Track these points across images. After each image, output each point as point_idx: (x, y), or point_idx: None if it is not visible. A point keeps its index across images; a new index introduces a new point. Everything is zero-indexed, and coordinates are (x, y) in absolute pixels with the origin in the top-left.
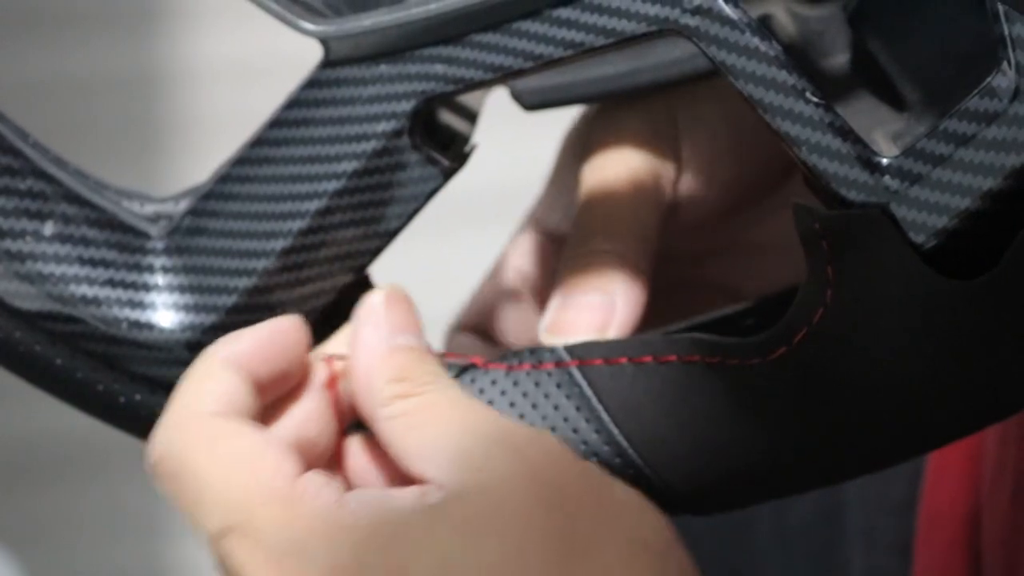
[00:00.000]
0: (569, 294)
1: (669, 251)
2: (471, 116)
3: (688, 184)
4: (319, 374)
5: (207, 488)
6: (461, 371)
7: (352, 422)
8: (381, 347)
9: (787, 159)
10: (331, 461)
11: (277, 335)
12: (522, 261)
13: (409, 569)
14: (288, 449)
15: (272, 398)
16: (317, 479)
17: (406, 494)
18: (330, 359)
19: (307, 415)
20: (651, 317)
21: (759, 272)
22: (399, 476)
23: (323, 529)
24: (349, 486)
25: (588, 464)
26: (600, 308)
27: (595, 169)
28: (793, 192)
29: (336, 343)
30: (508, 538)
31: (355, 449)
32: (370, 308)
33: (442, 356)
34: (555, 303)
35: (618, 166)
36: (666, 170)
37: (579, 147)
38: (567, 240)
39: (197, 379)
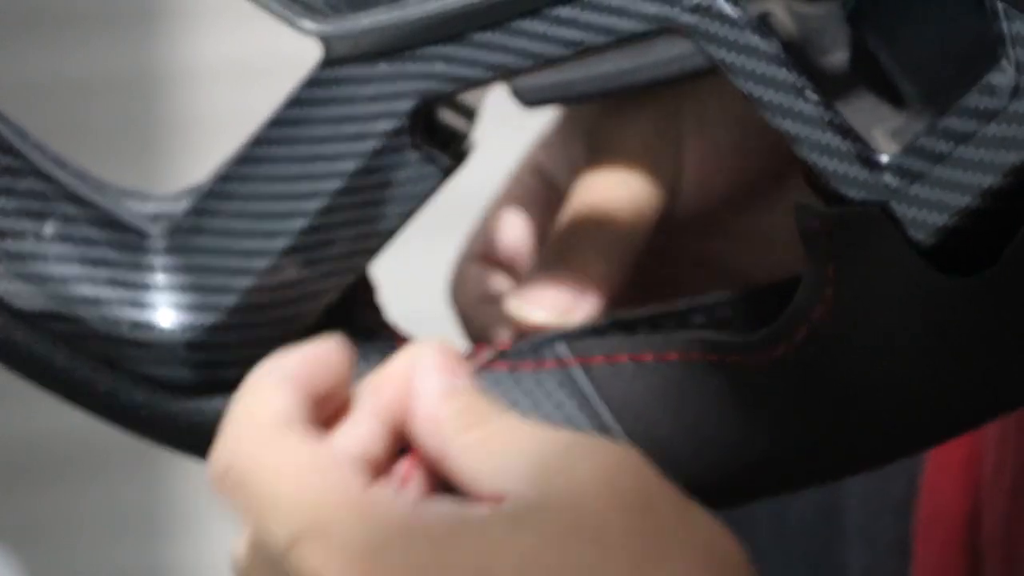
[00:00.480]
0: (543, 265)
1: (673, 233)
2: (470, 114)
3: (691, 178)
4: (378, 402)
5: (277, 497)
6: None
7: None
8: (441, 389)
9: (786, 158)
10: None
11: (324, 355)
12: (524, 198)
13: (493, 570)
14: (355, 460)
15: (317, 417)
16: (388, 489)
17: (482, 506)
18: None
19: (355, 436)
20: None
21: (768, 262)
22: None
23: (401, 532)
24: None
25: (666, 481)
26: (568, 294)
27: (587, 183)
28: (799, 184)
29: (389, 376)
30: (590, 541)
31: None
32: (427, 356)
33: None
34: (529, 274)
35: (611, 180)
36: (663, 175)
37: (582, 120)
38: (551, 231)
39: (256, 392)
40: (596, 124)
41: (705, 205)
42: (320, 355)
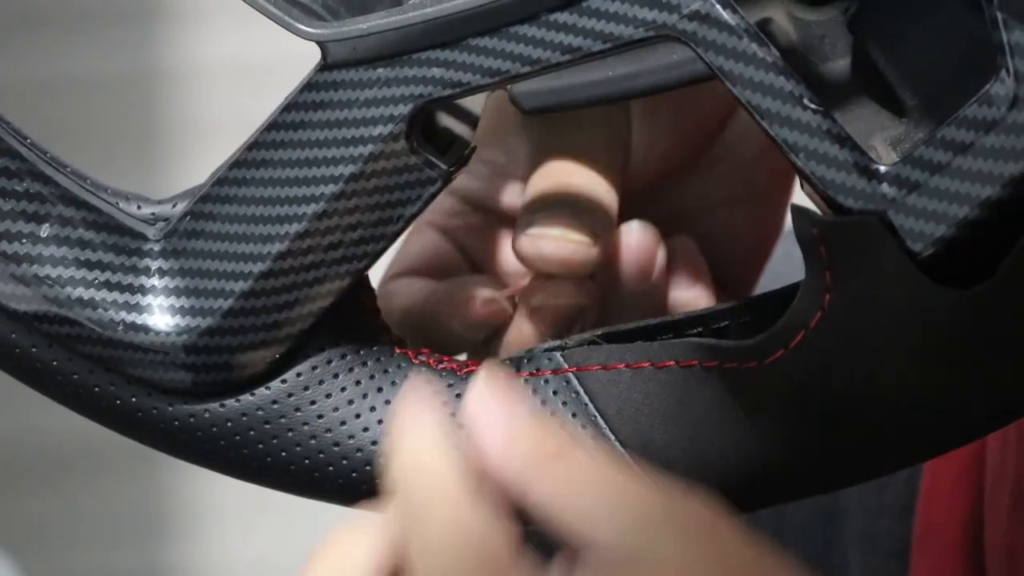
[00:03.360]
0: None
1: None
2: (470, 119)
3: (638, 152)
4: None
5: (444, 546)
6: (464, 377)
7: None
8: (506, 425)
9: (708, 136)
10: None
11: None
12: (435, 219)
13: None
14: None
15: None
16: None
17: (583, 568)
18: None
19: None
20: None
21: (700, 229)
22: None
23: None
24: None
25: (746, 534)
26: (580, 246)
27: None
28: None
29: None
30: None
31: None
32: (478, 395)
33: (440, 360)
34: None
35: (583, 145)
36: (619, 146)
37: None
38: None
39: (430, 438)
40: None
41: (649, 177)
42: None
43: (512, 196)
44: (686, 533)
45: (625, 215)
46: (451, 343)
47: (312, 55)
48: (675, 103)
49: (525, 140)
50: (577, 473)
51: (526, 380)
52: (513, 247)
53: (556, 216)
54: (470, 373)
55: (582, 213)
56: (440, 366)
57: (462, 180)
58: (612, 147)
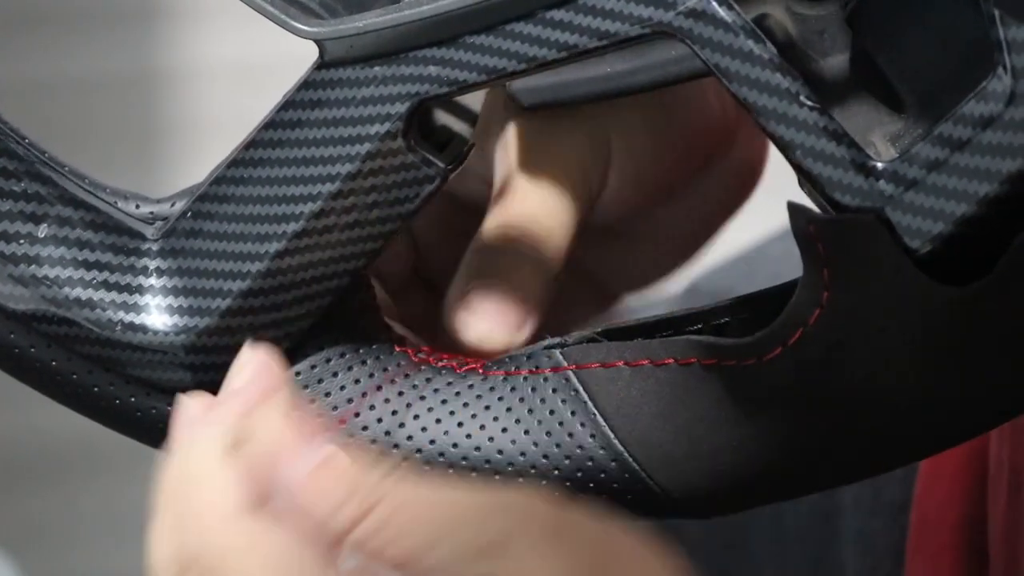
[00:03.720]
0: (473, 289)
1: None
2: (469, 117)
3: (611, 192)
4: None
5: None
6: (463, 374)
7: None
8: (309, 475)
9: (691, 158)
10: None
11: (262, 391)
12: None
13: None
14: (327, 546)
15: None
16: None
17: None
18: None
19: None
20: None
21: (630, 264)
22: None
23: None
24: None
25: (574, 512)
26: (511, 309)
27: (511, 196)
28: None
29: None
30: None
31: None
32: (269, 435)
33: (440, 359)
34: (470, 286)
35: (546, 194)
36: (589, 190)
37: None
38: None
39: (208, 469)
40: (529, 136)
41: (617, 215)
42: (254, 396)
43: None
44: (519, 544)
45: (597, 237)
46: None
47: (312, 55)
48: (652, 139)
49: (503, 142)
50: (398, 515)
51: (525, 378)
52: (445, 312)
53: (488, 298)
54: (470, 371)
55: (517, 290)
56: (440, 364)
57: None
58: (583, 170)
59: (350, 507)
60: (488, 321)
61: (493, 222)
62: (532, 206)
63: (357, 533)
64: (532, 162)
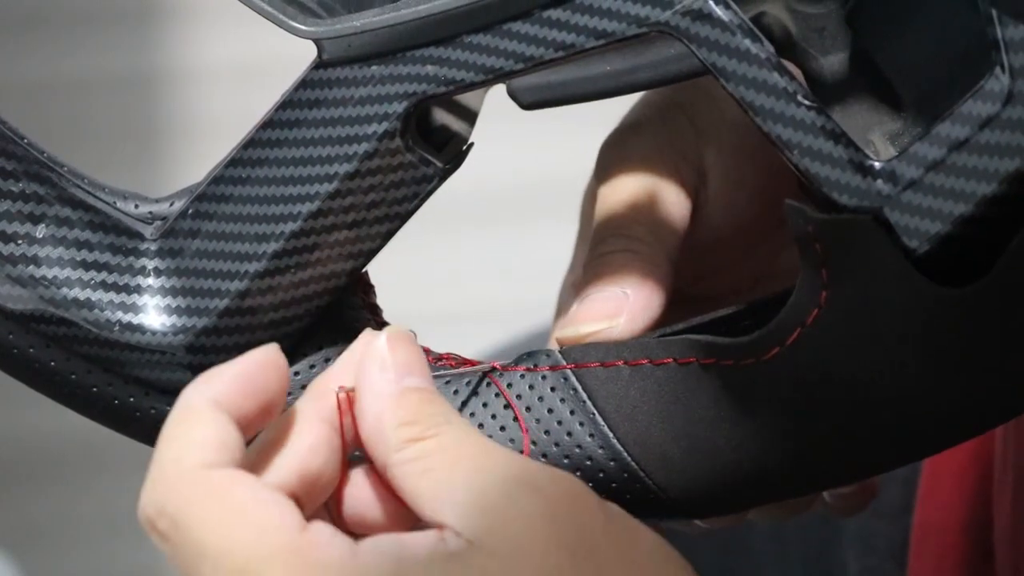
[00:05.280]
0: (582, 294)
1: (695, 268)
2: (469, 116)
3: (715, 189)
4: (324, 404)
5: (208, 546)
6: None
7: (353, 451)
8: (389, 390)
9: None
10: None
11: (259, 367)
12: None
13: None
14: (289, 497)
15: (255, 433)
16: (326, 529)
17: (422, 541)
18: (343, 392)
19: (311, 447)
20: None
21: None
22: (402, 512)
23: None
24: (349, 520)
25: (611, 506)
26: (611, 299)
27: (610, 188)
28: None
29: (337, 372)
30: None
31: (358, 481)
32: (375, 350)
33: (439, 358)
34: (571, 307)
35: (633, 183)
36: (686, 178)
37: (596, 183)
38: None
39: (183, 427)
40: (609, 151)
41: (729, 227)
42: (251, 370)
43: None
44: (539, 517)
45: (709, 263)
46: None
47: (311, 55)
48: (752, 145)
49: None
50: (435, 456)
51: (522, 376)
52: (553, 334)
53: (589, 292)
54: (468, 371)
55: (620, 266)
56: (438, 363)
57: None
58: (678, 173)
59: (410, 430)
60: (578, 322)
61: (594, 229)
62: (616, 217)
63: (406, 452)
64: (611, 185)
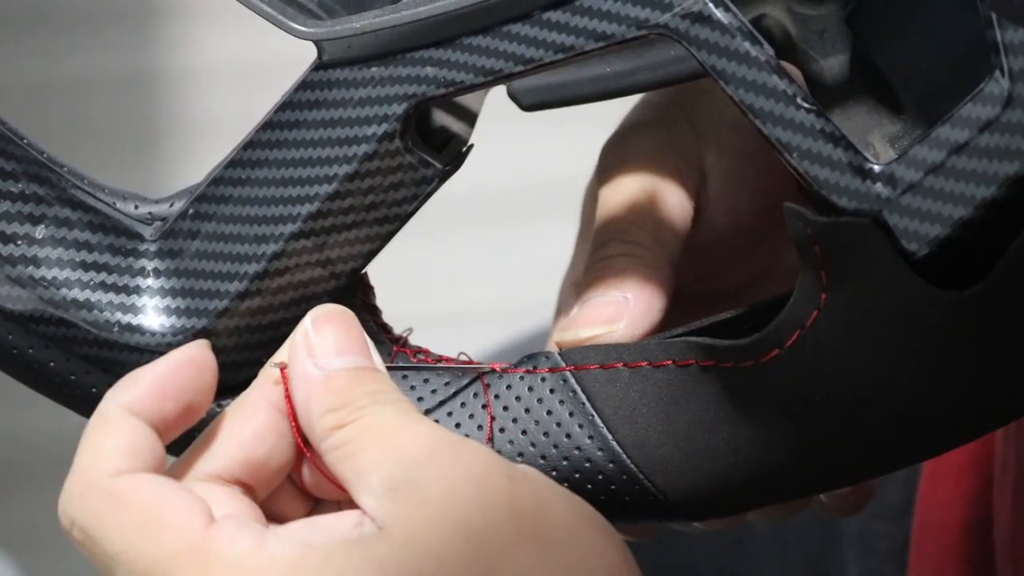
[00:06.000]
0: (583, 298)
1: (696, 269)
2: (469, 117)
3: (715, 190)
4: (268, 388)
5: (117, 553)
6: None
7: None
8: (315, 374)
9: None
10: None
11: (179, 368)
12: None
13: None
14: (196, 497)
15: (179, 432)
16: (230, 524)
17: (337, 526)
18: (283, 369)
19: (255, 435)
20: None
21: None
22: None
23: (240, 572)
24: (314, 493)
25: (523, 472)
26: (612, 304)
27: (611, 189)
28: None
29: (279, 355)
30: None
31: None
32: (300, 333)
33: (438, 360)
34: (572, 310)
35: (634, 184)
36: (687, 179)
37: (597, 184)
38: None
39: (95, 435)
40: (610, 152)
41: (730, 228)
42: (174, 368)
43: None
44: (446, 500)
45: (711, 265)
46: None
47: (311, 56)
48: (753, 146)
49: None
50: (358, 440)
51: (522, 378)
52: (553, 336)
53: (589, 297)
54: (468, 372)
55: (620, 270)
56: (439, 363)
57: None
58: (679, 174)
59: (335, 416)
60: (578, 326)
61: (595, 233)
62: (616, 220)
63: (331, 439)
64: (612, 187)
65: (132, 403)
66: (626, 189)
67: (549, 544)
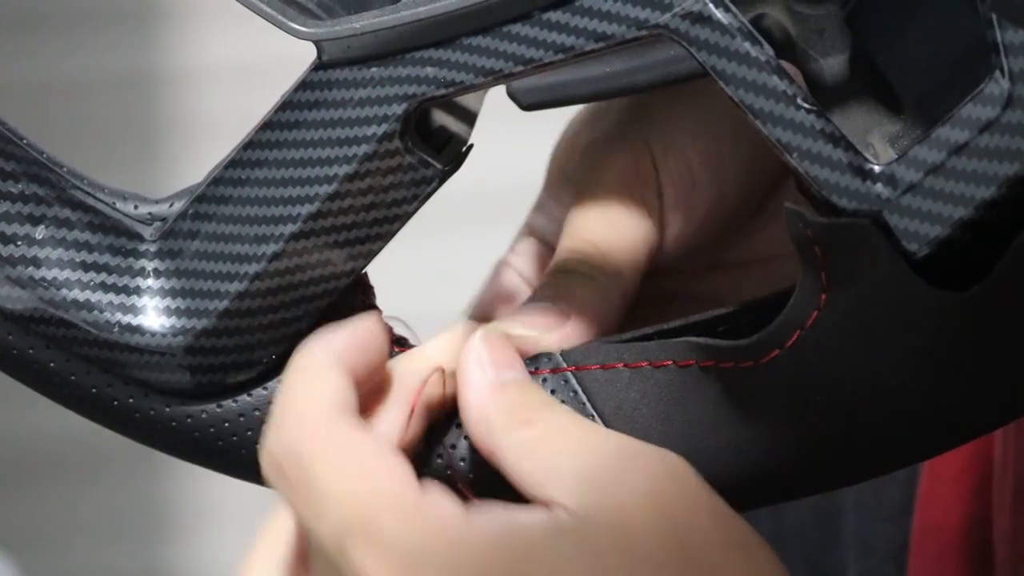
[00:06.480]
0: (532, 297)
1: (658, 269)
2: (468, 117)
3: (672, 214)
4: (410, 383)
5: (330, 491)
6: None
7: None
8: (490, 383)
9: (767, 179)
10: None
11: (367, 331)
12: (520, 265)
13: None
14: (405, 456)
15: (361, 393)
16: (441, 490)
17: (532, 515)
18: (442, 373)
19: (399, 423)
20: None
21: (745, 287)
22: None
23: (448, 540)
24: None
25: (712, 492)
26: (553, 313)
27: (577, 225)
28: (775, 211)
29: (422, 355)
30: (634, 565)
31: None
32: (472, 349)
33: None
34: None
35: (599, 222)
36: (648, 214)
37: (568, 171)
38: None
39: (307, 377)
40: (579, 169)
41: (693, 239)
42: (363, 334)
43: None
44: (644, 494)
45: (678, 279)
46: None
47: (311, 56)
48: (705, 154)
49: (562, 205)
50: (542, 439)
51: None
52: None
53: (537, 303)
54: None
55: (571, 291)
56: None
57: (539, 221)
58: (638, 200)
59: (518, 416)
60: (516, 322)
61: (555, 256)
62: (586, 232)
63: (515, 435)
64: (582, 194)
65: (340, 354)
66: (591, 229)
67: (756, 562)
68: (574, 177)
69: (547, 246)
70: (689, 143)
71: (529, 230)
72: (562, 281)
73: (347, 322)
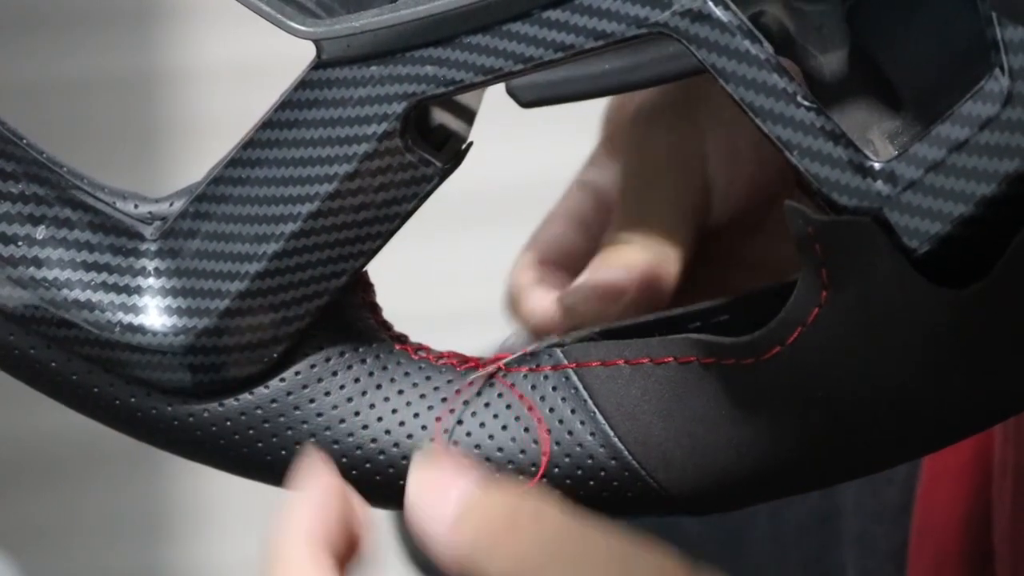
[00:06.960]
0: (592, 266)
1: (717, 236)
2: (467, 115)
3: (720, 177)
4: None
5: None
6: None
7: None
8: (445, 507)
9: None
10: None
11: (333, 501)
12: (569, 213)
13: None
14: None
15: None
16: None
17: None
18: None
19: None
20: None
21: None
22: None
23: None
24: None
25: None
26: (610, 283)
27: (629, 198)
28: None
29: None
30: None
31: None
32: (415, 483)
33: (440, 356)
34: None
35: (650, 192)
36: (696, 181)
37: (616, 136)
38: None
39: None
40: (629, 139)
41: (739, 202)
42: (330, 503)
43: None
44: None
45: (727, 240)
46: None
47: (311, 55)
48: (757, 151)
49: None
50: (528, 545)
51: (525, 376)
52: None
53: (594, 274)
54: (470, 369)
55: (628, 258)
56: (440, 362)
57: (594, 174)
58: (685, 168)
59: (502, 549)
60: (577, 294)
61: (614, 225)
62: (639, 204)
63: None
64: (630, 164)
65: (318, 535)
66: (645, 187)
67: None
68: (621, 143)
69: (598, 199)
70: (729, 112)
71: (581, 184)
72: (617, 250)
73: (304, 493)
